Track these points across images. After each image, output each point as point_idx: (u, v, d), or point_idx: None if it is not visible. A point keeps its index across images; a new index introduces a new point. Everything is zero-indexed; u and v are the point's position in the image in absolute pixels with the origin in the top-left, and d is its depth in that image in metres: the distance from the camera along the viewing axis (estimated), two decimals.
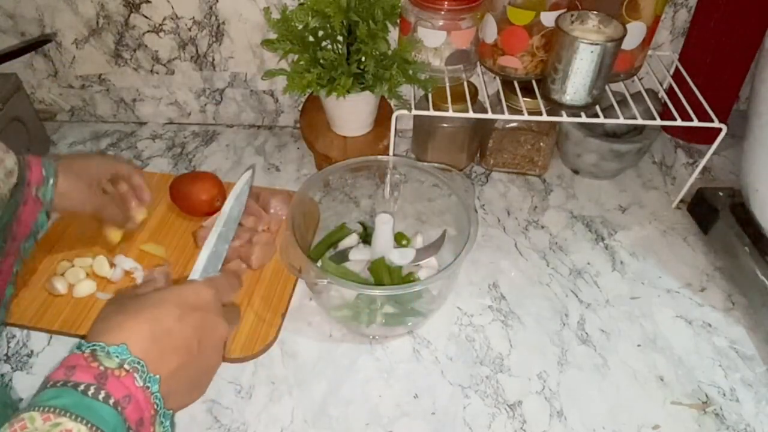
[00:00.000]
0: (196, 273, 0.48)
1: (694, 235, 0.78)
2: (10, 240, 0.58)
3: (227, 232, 0.52)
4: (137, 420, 0.34)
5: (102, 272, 0.68)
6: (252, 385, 0.60)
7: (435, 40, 0.73)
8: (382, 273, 0.65)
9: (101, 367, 0.34)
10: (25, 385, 0.59)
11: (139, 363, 0.35)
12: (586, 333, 0.66)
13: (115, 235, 0.69)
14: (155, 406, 0.35)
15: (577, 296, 0.70)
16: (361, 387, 0.60)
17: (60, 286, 0.65)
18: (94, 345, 0.35)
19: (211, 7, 0.81)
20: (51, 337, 0.63)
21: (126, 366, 0.34)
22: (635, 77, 0.80)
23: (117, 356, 0.34)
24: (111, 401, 0.33)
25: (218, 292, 0.43)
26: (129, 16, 0.83)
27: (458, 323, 0.67)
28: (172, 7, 0.82)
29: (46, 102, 0.95)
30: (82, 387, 0.32)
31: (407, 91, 0.80)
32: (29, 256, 0.62)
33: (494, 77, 0.80)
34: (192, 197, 0.74)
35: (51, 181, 0.59)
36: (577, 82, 0.69)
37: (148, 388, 0.35)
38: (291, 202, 0.64)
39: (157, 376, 0.36)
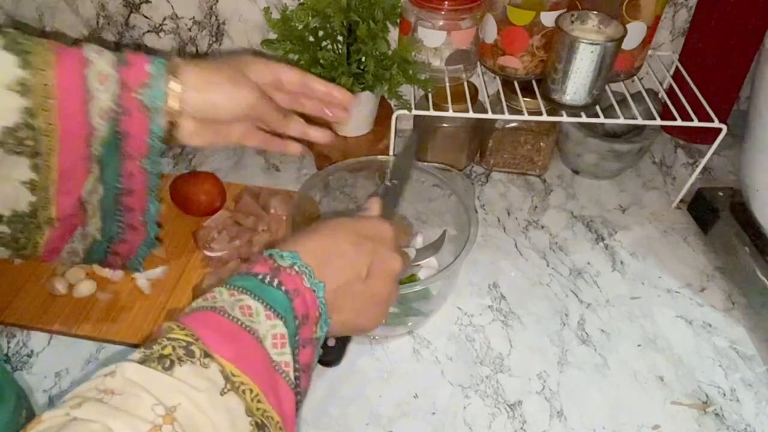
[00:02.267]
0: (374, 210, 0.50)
1: (694, 235, 0.78)
2: (125, 159, 0.47)
3: (400, 185, 0.55)
4: (303, 314, 0.38)
5: (102, 272, 0.68)
6: None
7: (435, 40, 0.73)
8: None
9: (275, 264, 0.38)
10: (25, 385, 0.59)
11: (307, 267, 0.39)
12: (586, 333, 0.66)
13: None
14: (319, 310, 0.39)
15: (577, 296, 0.70)
16: (361, 387, 0.60)
17: (60, 286, 0.65)
18: (271, 251, 0.39)
19: (211, 7, 0.81)
20: (51, 337, 0.63)
21: (296, 267, 0.38)
22: (635, 77, 0.80)
23: (289, 258, 0.39)
24: (283, 288, 0.37)
25: (396, 231, 0.46)
26: (129, 16, 0.83)
27: (458, 323, 0.67)
28: (172, 7, 0.82)
29: None
30: (260, 276, 0.37)
31: (407, 91, 0.80)
32: (162, 170, 0.50)
33: (494, 77, 0.81)
34: (192, 197, 0.74)
35: (161, 80, 0.44)
36: (577, 82, 0.69)
37: (314, 291, 0.39)
38: (291, 202, 0.64)
39: (322, 284, 0.39)
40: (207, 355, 0.32)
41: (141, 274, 0.68)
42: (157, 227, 0.54)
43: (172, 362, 0.31)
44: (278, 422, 0.34)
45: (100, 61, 0.44)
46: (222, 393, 0.31)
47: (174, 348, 0.32)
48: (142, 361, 0.31)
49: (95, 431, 0.27)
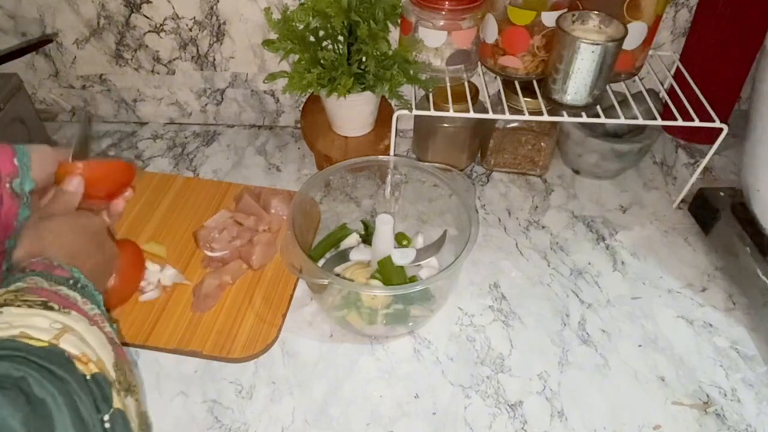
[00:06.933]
0: None
1: (695, 235, 0.78)
2: None
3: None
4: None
5: None
6: (253, 385, 0.60)
7: (436, 40, 0.73)
8: (391, 272, 0.65)
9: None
10: None
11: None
12: (587, 333, 0.66)
13: None
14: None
15: (578, 296, 0.70)
16: (361, 387, 0.61)
17: None
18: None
19: (211, 8, 0.81)
20: None
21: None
22: (636, 77, 0.80)
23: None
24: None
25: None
26: (130, 16, 0.83)
27: (459, 323, 0.67)
28: (173, 7, 0.82)
29: (47, 102, 0.95)
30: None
31: (408, 91, 0.80)
32: None
33: (495, 77, 0.80)
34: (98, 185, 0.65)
35: (26, 170, 0.52)
36: (578, 82, 0.69)
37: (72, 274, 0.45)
38: (292, 202, 0.64)
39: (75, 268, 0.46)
40: (65, 307, 0.39)
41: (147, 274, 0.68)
42: None
43: (43, 305, 0.37)
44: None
45: None
46: (90, 325, 0.39)
47: (34, 302, 0.37)
48: (17, 307, 0.36)
49: (14, 335, 0.34)
